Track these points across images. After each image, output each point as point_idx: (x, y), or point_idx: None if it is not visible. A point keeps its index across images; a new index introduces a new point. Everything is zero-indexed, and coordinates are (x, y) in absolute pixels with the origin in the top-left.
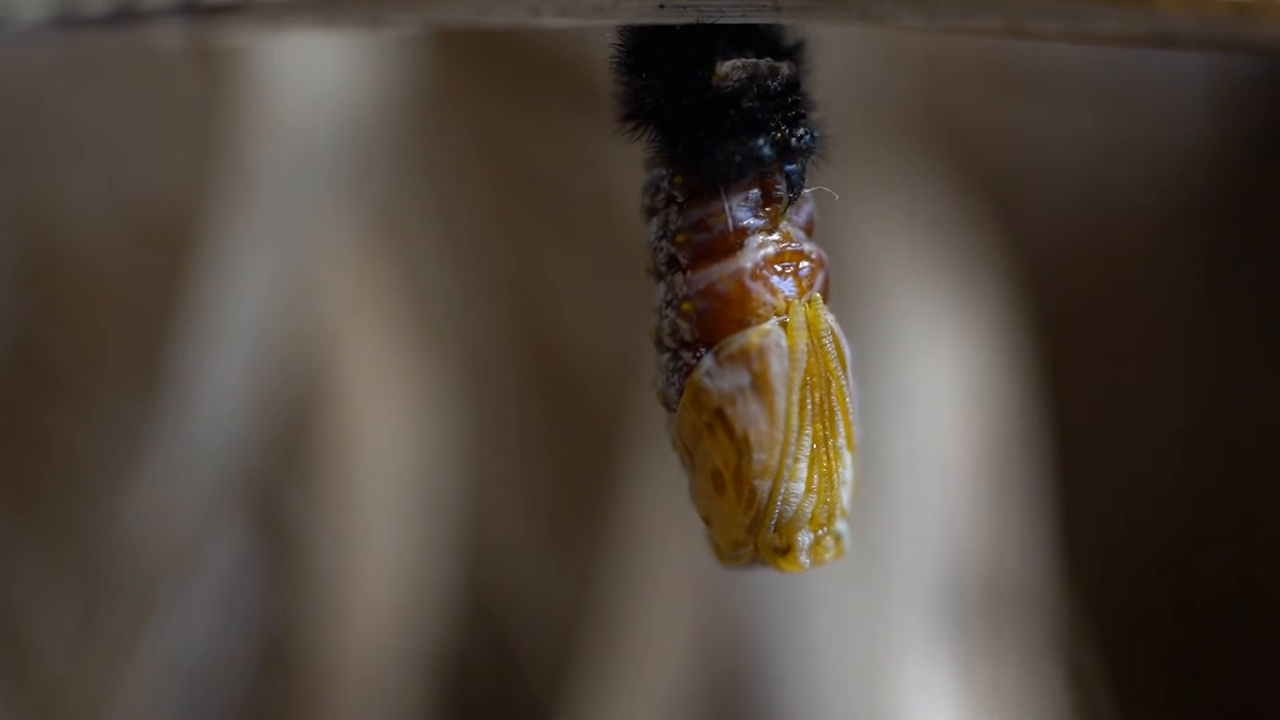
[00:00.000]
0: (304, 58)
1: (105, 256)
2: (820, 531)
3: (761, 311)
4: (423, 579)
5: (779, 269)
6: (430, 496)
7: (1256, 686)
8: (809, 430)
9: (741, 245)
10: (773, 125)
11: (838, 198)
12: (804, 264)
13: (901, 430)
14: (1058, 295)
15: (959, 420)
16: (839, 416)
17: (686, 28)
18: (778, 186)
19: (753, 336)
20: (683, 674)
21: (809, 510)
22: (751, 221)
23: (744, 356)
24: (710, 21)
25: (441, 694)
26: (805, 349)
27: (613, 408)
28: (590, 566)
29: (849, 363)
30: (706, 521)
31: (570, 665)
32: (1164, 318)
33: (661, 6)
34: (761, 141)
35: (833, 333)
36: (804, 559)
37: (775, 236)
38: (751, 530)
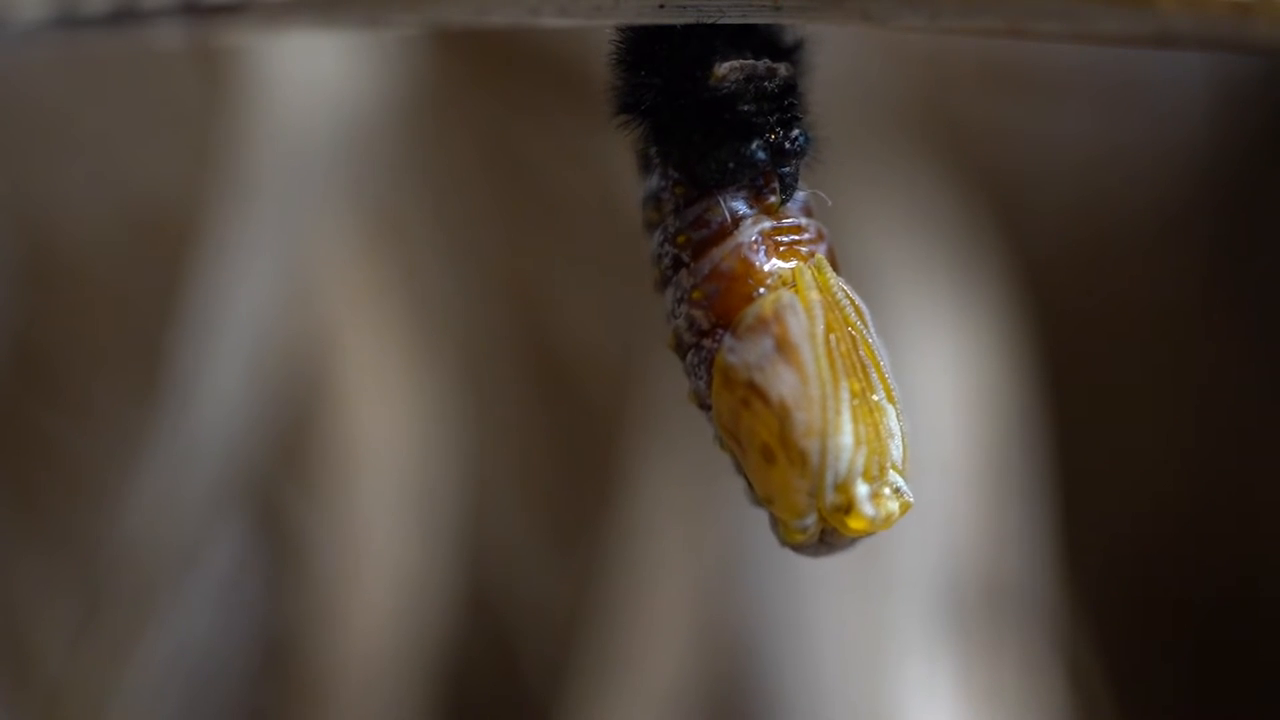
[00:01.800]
0: (304, 58)
1: (104, 256)
2: (875, 483)
3: (769, 281)
4: (423, 579)
5: (778, 239)
6: (430, 496)
7: (1256, 686)
8: (844, 383)
9: (738, 227)
10: (767, 129)
11: (830, 203)
12: (803, 234)
13: None
14: (1058, 295)
15: (959, 420)
16: (872, 371)
17: (686, 28)
18: (771, 189)
19: (765, 303)
20: (683, 674)
21: (861, 463)
22: (747, 211)
23: (761, 323)
24: (710, 22)
25: (442, 694)
26: (820, 303)
27: (613, 408)
28: (590, 566)
29: (869, 320)
30: (768, 502)
31: (570, 665)
32: (1164, 318)
33: (661, 6)
34: (755, 146)
35: (845, 291)
36: (868, 510)
37: (769, 215)
38: (811, 495)
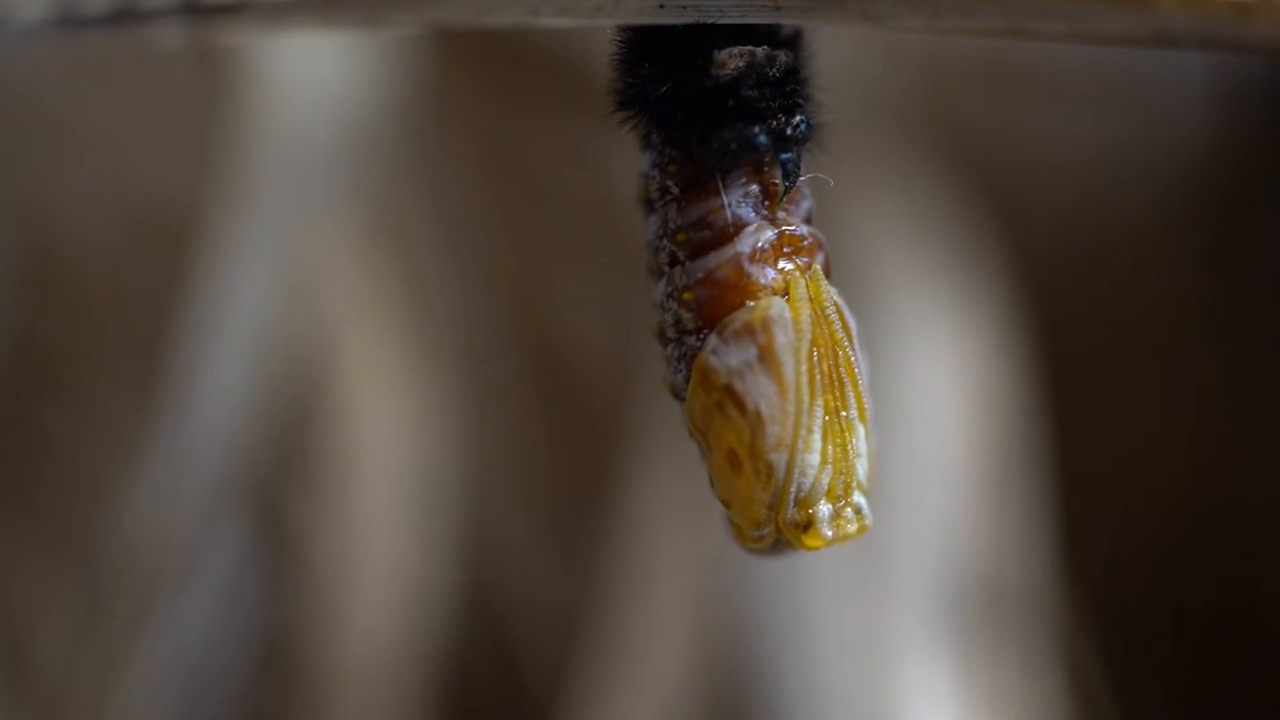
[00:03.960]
0: (304, 58)
1: (105, 256)
2: (839, 503)
3: (761, 294)
4: (423, 579)
5: (776, 251)
6: (430, 497)
7: (1256, 686)
8: (820, 401)
9: (739, 233)
10: (769, 113)
11: (832, 183)
12: (801, 244)
13: (901, 430)
14: (1058, 295)
15: (959, 420)
16: (849, 388)
17: (686, 27)
18: (774, 177)
19: (756, 310)
20: (683, 674)
21: (826, 482)
22: (750, 215)
23: (749, 331)
24: (710, 22)
25: (441, 694)
26: (810, 319)
27: (613, 408)
28: (590, 566)
29: (855, 335)
30: (726, 505)
31: (570, 665)
32: (1164, 317)
33: (662, 7)
34: (757, 129)
35: (836, 305)
36: (826, 531)
37: (771, 222)
38: (771, 508)
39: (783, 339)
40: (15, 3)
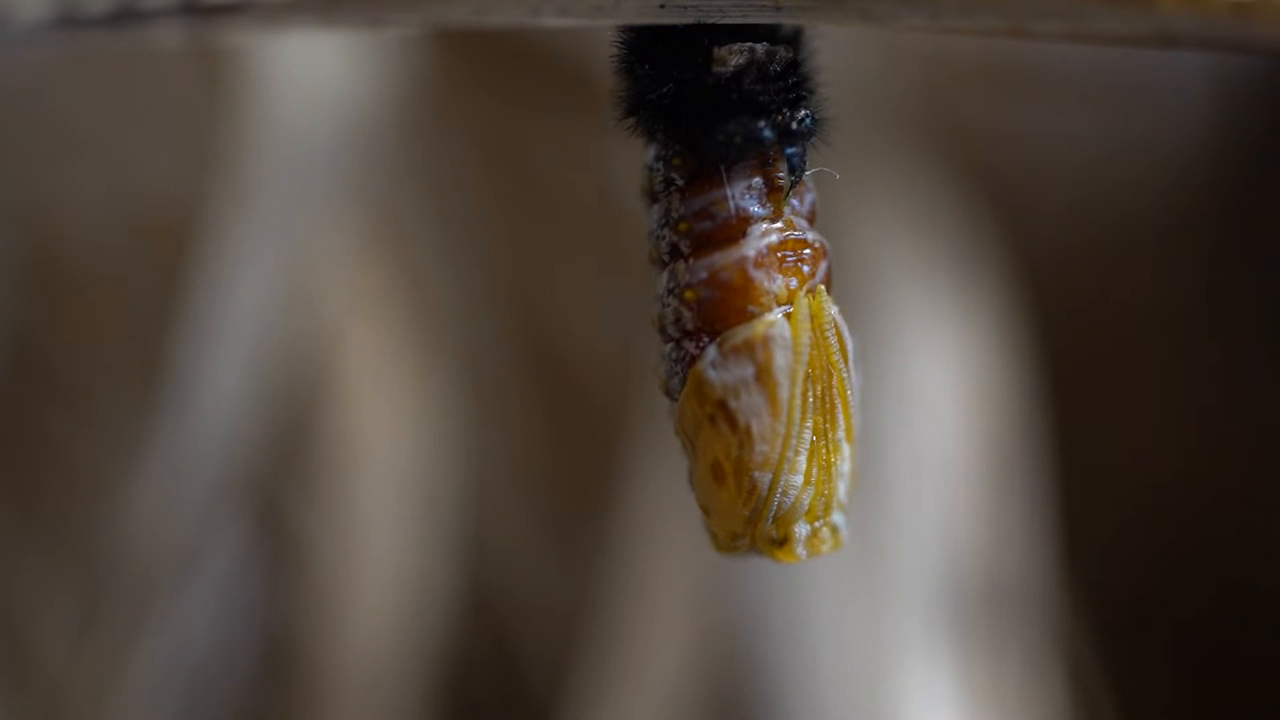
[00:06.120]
0: (304, 58)
1: (105, 256)
2: (817, 524)
3: (764, 300)
4: (423, 579)
5: (781, 257)
6: (430, 496)
7: (1256, 686)
8: (810, 423)
9: (744, 233)
10: (773, 108)
11: (839, 176)
12: (806, 252)
13: (901, 429)
14: (1058, 295)
15: (959, 420)
16: (839, 409)
17: (687, 27)
18: (779, 172)
19: (758, 328)
20: (683, 674)
21: (806, 502)
22: (754, 209)
23: (748, 348)
24: (711, 22)
25: (442, 694)
26: (809, 341)
27: (613, 408)
28: (590, 566)
29: (851, 355)
30: (705, 511)
31: (570, 665)
32: (1164, 318)
33: (662, 7)
34: (761, 123)
35: (835, 325)
36: (800, 551)
37: (778, 225)
38: (750, 522)
39: (781, 360)
40: (15, 3)
